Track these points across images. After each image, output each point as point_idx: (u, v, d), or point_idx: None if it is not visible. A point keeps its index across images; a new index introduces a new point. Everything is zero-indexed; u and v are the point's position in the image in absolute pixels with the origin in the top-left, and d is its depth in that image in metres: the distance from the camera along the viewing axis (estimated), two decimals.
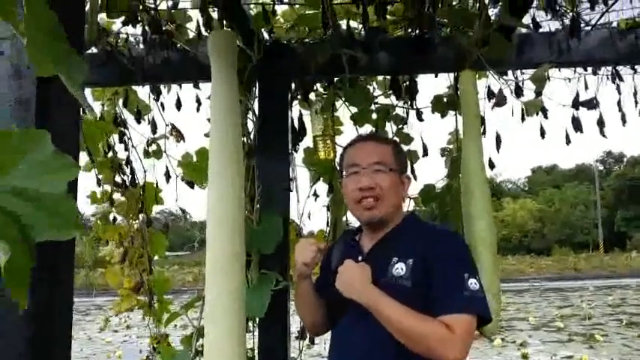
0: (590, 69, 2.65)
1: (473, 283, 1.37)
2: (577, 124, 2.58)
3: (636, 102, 2.59)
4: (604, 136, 2.53)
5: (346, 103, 2.28)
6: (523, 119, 2.56)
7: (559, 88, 2.76)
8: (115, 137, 2.66)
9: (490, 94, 2.53)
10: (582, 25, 2.25)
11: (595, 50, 2.29)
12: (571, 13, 2.05)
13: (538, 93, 2.39)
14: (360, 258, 1.54)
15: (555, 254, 35.55)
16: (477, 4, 1.72)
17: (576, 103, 2.57)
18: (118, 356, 9.10)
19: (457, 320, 1.33)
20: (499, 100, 1.73)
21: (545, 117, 2.60)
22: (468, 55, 1.67)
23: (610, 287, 18.56)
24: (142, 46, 2.23)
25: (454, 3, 1.94)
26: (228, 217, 1.41)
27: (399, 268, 1.43)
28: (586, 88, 2.63)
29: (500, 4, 1.91)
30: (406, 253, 1.45)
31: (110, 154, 2.67)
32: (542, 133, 2.61)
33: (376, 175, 1.50)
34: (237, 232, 1.42)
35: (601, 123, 2.60)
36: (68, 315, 0.83)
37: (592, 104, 2.56)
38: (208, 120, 2.51)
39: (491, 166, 2.62)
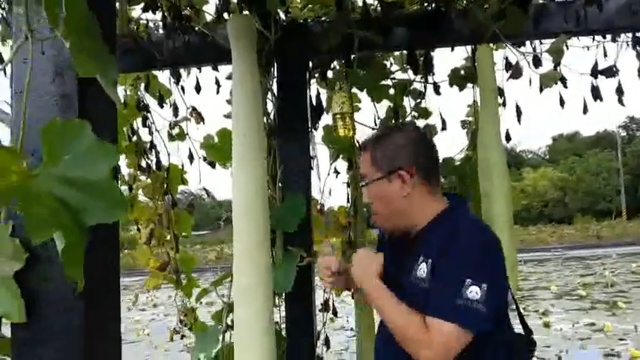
0: (609, 37, 2.62)
1: (473, 291, 1.27)
2: (596, 93, 2.57)
3: None
4: (622, 104, 2.52)
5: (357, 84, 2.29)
6: (541, 90, 2.57)
7: (578, 56, 2.75)
8: (139, 121, 2.72)
9: (508, 65, 2.53)
10: None
11: (614, 18, 2.27)
12: None
13: (556, 65, 2.39)
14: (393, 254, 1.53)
15: (577, 223, 35.26)
16: None
17: (595, 72, 2.56)
18: (147, 334, 9.38)
19: (438, 325, 1.27)
20: (515, 73, 1.74)
21: (565, 86, 2.59)
22: (484, 29, 1.68)
23: (633, 254, 18.38)
24: (161, 31, 2.27)
25: None
26: (254, 200, 1.47)
27: (422, 270, 1.38)
28: (605, 55, 2.60)
29: None
30: (429, 252, 1.39)
31: (134, 138, 2.74)
32: (562, 103, 2.61)
33: (365, 191, 1.51)
34: (263, 213, 1.48)
35: (620, 91, 2.58)
36: (117, 291, 0.90)
37: (611, 72, 2.55)
38: (227, 101, 2.58)
39: (508, 138, 2.64)
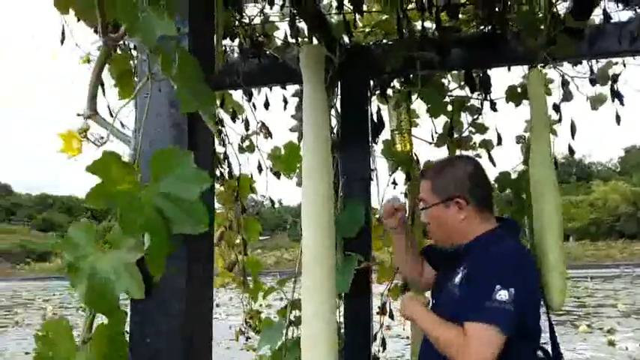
0: None
1: (503, 294, 1.41)
2: None
3: None
4: None
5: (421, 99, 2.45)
6: (593, 109, 2.64)
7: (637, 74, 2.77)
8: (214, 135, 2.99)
9: (564, 83, 2.62)
10: None
11: None
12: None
13: (613, 82, 2.46)
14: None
15: None
16: (544, 5, 1.83)
17: None
18: None
19: (471, 327, 1.43)
20: (566, 96, 1.84)
21: (622, 104, 2.64)
22: (535, 55, 1.80)
23: None
24: (236, 54, 2.52)
25: (523, 2, 2.06)
26: (321, 208, 1.66)
27: (456, 278, 1.60)
28: None
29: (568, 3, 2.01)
30: (464, 265, 1.59)
31: None
32: (618, 120, 2.65)
33: (424, 213, 1.76)
34: (329, 221, 1.67)
35: None
36: (210, 291, 1.13)
37: None
38: (292, 117, 2.79)
39: (571, 152, 2.71)
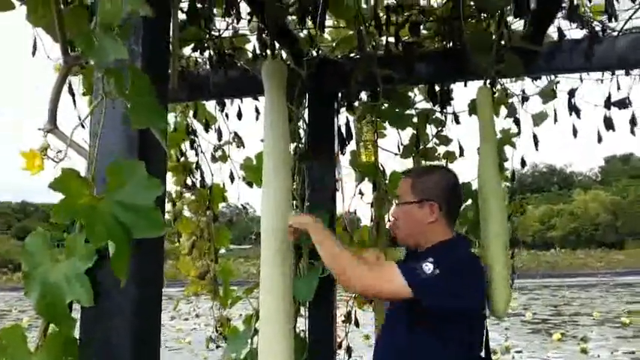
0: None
1: (428, 268, 1.59)
2: (609, 123, 2.72)
3: None
4: (634, 134, 2.65)
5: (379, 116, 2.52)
6: (556, 121, 2.75)
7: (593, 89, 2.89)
8: (187, 144, 3.04)
9: (524, 99, 2.73)
10: (608, 31, 2.39)
11: (625, 54, 2.43)
12: (592, 24, 2.20)
13: (569, 96, 2.57)
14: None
15: (628, 248, 33.96)
16: (496, 26, 1.92)
17: (608, 103, 2.71)
18: (188, 342, 9.76)
19: (392, 264, 1.66)
20: (510, 111, 1.94)
21: (578, 117, 2.75)
22: (485, 73, 1.89)
23: None
24: (208, 66, 2.58)
25: (479, 20, 2.15)
26: (278, 216, 1.73)
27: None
28: (618, 88, 2.73)
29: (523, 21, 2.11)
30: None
31: (182, 159, 3.06)
32: (575, 133, 2.77)
33: (396, 208, 1.86)
34: (285, 230, 1.73)
35: (633, 122, 2.72)
36: (160, 285, 1.19)
37: (624, 104, 2.70)
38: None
39: (523, 164, 2.81)
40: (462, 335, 1.64)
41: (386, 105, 2.66)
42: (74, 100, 2.39)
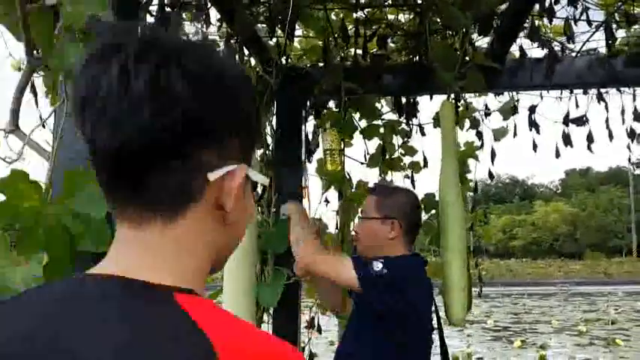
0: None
1: (377, 267, 1.69)
2: (567, 140, 2.83)
3: (623, 120, 2.81)
4: (591, 151, 2.76)
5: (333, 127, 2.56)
6: (515, 135, 2.84)
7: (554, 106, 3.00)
8: None
9: (486, 113, 2.81)
10: (567, 51, 2.50)
11: (582, 74, 2.53)
12: (552, 45, 2.30)
13: (530, 112, 2.66)
14: None
15: (587, 259, 34.98)
16: (460, 43, 1.98)
17: (567, 120, 2.82)
18: None
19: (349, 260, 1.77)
20: (473, 123, 2.00)
21: (538, 133, 2.85)
22: (448, 88, 1.95)
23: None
24: None
25: (445, 36, 2.21)
26: None
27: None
28: (577, 106, 2.85)
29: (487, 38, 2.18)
30: None
31: None
32: (535, 147, 2.86)
33: (360, 222, 1.97)
34: (250, 237, 1.74)
35: (590, 139, 2.83)
36: None
37: (582, 121, 2.81)
38: None
39: (491, 177, 2.90)
40: (418, 343, 1.69)
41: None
42: (36, 100, 2.34)
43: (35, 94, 2.39)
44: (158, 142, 0.53)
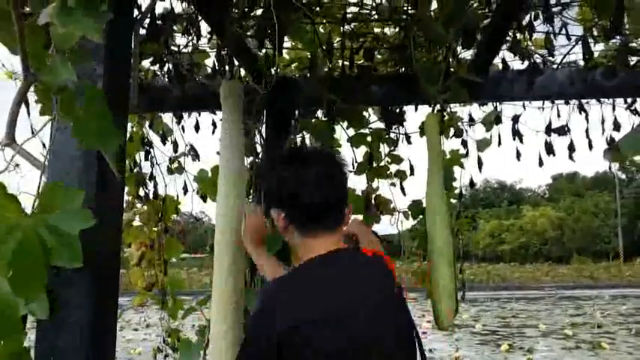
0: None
1: None
2: (549, 148, 2.90)
3: (603, 130, 2.89)
4: (572, 160, 2.84)
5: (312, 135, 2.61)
6: (499, 144, 2.91)
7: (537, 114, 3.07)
8: (141, 155, 3.05)
9: (470, 120, 2.88)
10: (548, 63, 2.57)
11: (561, 86, 2.60)
12: (532, 58, 2.37)
13: (513, 122, 2.73)
14: None
15: (574, 263, 35.30)
16: (444, 56, 2.05)
17: (549, 130, 2.90)
18: (138, 353, 9.55)
19: None
20: (456, 132, 2.07)
21: (521, 142, 2.93)
22: (432, 100, 2.01)
23: (626, 297, 18.51)
24: (166, 80, 2.61)
25: (427, 50, 2.28)
26: (231, 229, 1.78)
27: None
28: (558, 116, 2.93)
29: (470, 51, 2.25)
30: None
31: (136, 169, 3.05)
32: (518, 156, 2.94)
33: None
34: (239, 242, 1.78)
35: (571, 148, 2.91)
36: (115, 297, 1.22)
37: (563, 131, 2.89)
38: (220, 140, 2.90)
39: (472, 185, 2.96)
40: None
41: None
42: (28, 111, 2.37)
43: (27, 105, 2.43)
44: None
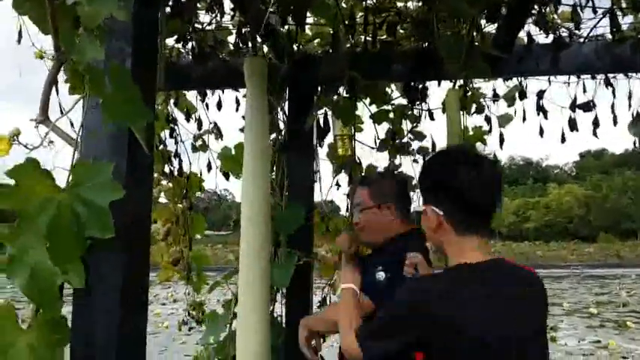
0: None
1: (380, 275, 1.75)
2: (573, 125, 2.86)
3: (630, 105, 2.83)
4: (596, 136, 2.80)
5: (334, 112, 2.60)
6: (524, 120, 2.88)
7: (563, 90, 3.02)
8: (167, 132, 3.10)
9: (495, 96, 2.85)
10: (574, 37, 2.52)
11: (589, 60, 2.56)
12: (558, 31, 2.33)
13: (538, 98, 2.69)
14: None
15: (600, 241, 34.81)
16: (466, 32, 2.03)
17: (573, 106, 2.85)
18: (166, 326, 9.81)
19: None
20: (481, 111, 2.05)
21: (546, 118, 2.89)
22: (455, 75, 2.00)
23: None
24: (190, 57, 2.64)
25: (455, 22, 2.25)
26: (258, 207, 1.82)
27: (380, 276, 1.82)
28: (584, 91, 2.87)
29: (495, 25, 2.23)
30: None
31: (161, 147, 3.11)
32: (541, 132, 2.91)
33: (359, 215, 1.97)
34: (265, 219, 1.83)
35: (595, 124, 2.86)
36: (146, 272, 1.27)
37: (588, 107, 2.84)
38: (243, 117, 2.93)
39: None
40: None
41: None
42: (57, 89, 2.42)
43: (56, 83, 2.48)
44: None
